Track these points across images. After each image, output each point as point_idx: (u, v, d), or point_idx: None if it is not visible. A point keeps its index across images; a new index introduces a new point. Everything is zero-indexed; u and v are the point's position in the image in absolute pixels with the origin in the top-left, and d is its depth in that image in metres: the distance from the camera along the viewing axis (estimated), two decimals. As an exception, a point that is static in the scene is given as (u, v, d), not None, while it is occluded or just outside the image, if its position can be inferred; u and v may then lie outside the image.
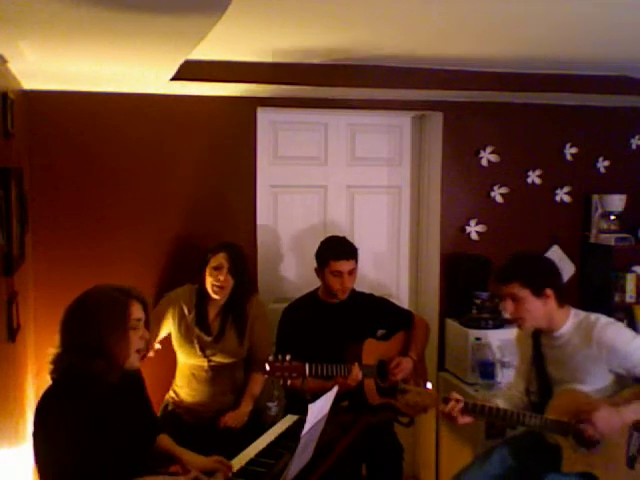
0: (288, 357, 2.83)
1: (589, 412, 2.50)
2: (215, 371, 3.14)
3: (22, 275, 2.88)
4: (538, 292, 2.63)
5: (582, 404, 2.57)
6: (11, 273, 2.51)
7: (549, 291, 2.64)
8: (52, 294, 3.25)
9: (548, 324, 2.70)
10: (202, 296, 3.16)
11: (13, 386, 2.64)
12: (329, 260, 3.19)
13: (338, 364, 3.00)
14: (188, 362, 3.17)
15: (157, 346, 3.18)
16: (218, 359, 3.13)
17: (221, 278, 3.07)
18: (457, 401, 2.62)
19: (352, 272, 3.21)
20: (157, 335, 3.16)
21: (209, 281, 3.11)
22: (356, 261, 3.24)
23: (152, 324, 3.14)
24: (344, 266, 3.17)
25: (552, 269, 2.76)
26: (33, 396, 3.12)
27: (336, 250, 3.22)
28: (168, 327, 3.18)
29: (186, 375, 3.19)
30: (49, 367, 2.11)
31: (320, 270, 3.24)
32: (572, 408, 2.58)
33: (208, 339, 3.13)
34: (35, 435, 2.04)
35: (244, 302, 3.19)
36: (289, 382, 2.87)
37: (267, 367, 2.83)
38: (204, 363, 3.13)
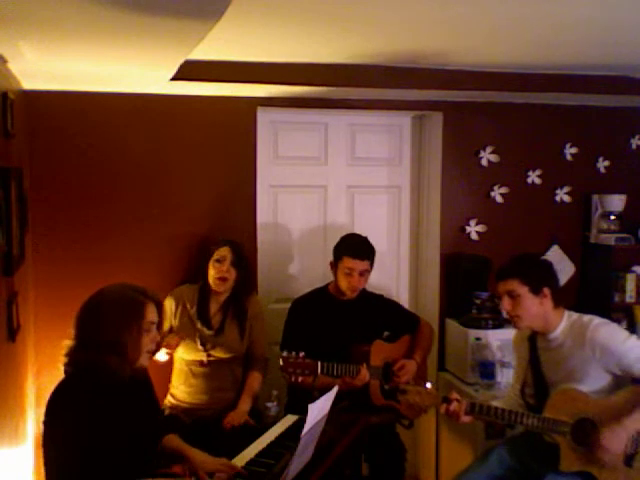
0: (302, 354, 2.84)
1: (598, 440, 2.51)
2: (213, 366, 3.16)
3: (22, 275, 2.88)
4: (536, 290, 2.67)
5: (582, 406, 2.58)
6: (11, 273, 2.52)
7: (547, 290, 2.69)
8: (52, 294, 3.25)
9: (543, 324, 2.73)
10: (204, 292, 3.22)
11: (13, 386, 2.64)
12: (343, 256, 3.19)
13: (348, 363, 3.01)
14: (186, 358, 3.19)
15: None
16: (217, 354, 3.15)
17: (224, 269, 3.14)
18: (458, 401, 2.63)
19: (364, 273, 3.20)
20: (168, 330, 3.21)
21: (212, 273, 3.17)
22: (371, 264, 3.23)
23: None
24: (357, 265, 3.17)
25: (550, 270, 2.81)
26: (33, 396, 3.13)
27: (353, 248, 3.21)
28: (170, 322, 3.22)
29: (183, 372, 3.20)
30: (63, 359, 2.12)
31: (334, 264, 3.25)
32: (570, 407, 2.59)
33: (209, 333, 3.17)
34: (47, 429, 2.05)
35: (244, 299, 3.24)
36: (300, 379, 2.87)
37: (280, 362, 2.84)
38: (203, 357, 3.15)
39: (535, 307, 2.68)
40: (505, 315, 3.61)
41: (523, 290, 2.67)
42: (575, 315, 2.73)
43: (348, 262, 3.17)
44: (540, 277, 2.72)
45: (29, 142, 3.26)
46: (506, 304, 2.72)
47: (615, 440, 2.51)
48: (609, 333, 2.64)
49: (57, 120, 3.32)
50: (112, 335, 2.08)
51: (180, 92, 3.34)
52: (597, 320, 2.68)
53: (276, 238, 3.87)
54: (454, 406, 2.63)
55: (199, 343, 3.15)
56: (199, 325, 3.18)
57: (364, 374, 2.99)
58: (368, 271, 3.23)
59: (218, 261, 3.16)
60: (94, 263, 3.38)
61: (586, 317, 2.70)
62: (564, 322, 2.72)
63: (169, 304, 3.23)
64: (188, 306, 3.22)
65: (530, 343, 2.81)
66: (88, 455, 1.98)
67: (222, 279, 3.15)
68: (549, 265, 2.85)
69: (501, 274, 2.76)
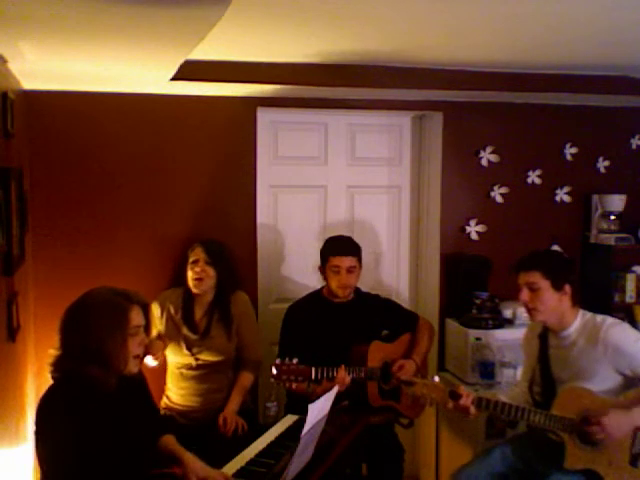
0: (295, 360, 2.83)
1: (599, 416, 2.50)
2: (203, 369, 3.16)
3: (22, 275, 2.88)
4: (558, 286, 2.68)
5: (589, 404, 2.58)
6: (11, 273, 2.51)
7: (567, 288, 2.70)
8: (52, 294, 3.25)
9: (558, 321, 2.73)
10: (189, 295, 3.22)
11: (13, 386, 2.64)
12: (329, 255, 3.21)
13: (348, 366, 2.99)
14: (176, 361, 3.20)
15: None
16: (205, 357, 3.15)
17: (197, 270, 3.14)
18: (467, 395, 2.65)
19: (352, 270, 3.21)
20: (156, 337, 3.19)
21: (189, 276, 3.18)
22: (358, 259, 3.24)
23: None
24: (343, 262, 3.18)
25: (573, 268, 2.87)
26: (33, 396, 3.12)
27: (336, 246, 3.25)
28: (157, 328, 3.21)
29: (175, 374, 3.21)
30: (49, 368, 2.11)
31: (322, 267, 3.27)
32: (577, 405, 2.59)
33: (194, 337, 3.17)
34: (36, 434, 2.04)
35: (229, 298, 3.23)
36: (294, 386, 2.86)
37: (274, 370, 2.83)
38: (191, 361, 3.16)
39: (554, 302, 2.68)
40: (507, 314, 3.68)
41: (545, 284, 2.67)
42: (588, 314, 2.74)
43: (334, 260, 3.19)
44: (563, 273, 2.72)
45: (29, 142, 3.26)
46: (524, 296, 2.71)
47: (617, 425, 2.49)
48: (622, 334, 2.65)
49: (57, 120, 3.32)
50: (95, 343, 2.04)
51: (180, 92, 3.34)
52: (610, 320, 2.69)
53: (276, 238, 3.87)
54: (464, 401, 2.63)
55: (185, 348, 3.16)
56: (185, 330, 3.17)
57: (342, 376, 2.94)
58: (356, 267, 3.23)
59: (194, 262, 3.18)
60: (94, 263, 3.38)
61: (599, 317, 2.71)
62: (578, 321, 2.72)
63: (155, 310, 3.21)
64: (172, 311, 3.22)
65: (541, 340, 2.82)
66: (83, 461, 1.96)
67: (198, 279, 3.15)
68: (572, 263, 2.90)
69: (523, 265, 2.74)
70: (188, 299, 3.22)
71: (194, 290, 3.18)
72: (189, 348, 3.16)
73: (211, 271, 3.16)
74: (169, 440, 2.33)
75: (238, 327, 3.22)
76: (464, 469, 2.86)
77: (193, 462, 2.22)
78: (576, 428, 2.57)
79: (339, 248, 3.22)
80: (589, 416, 2.54)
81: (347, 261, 3.19)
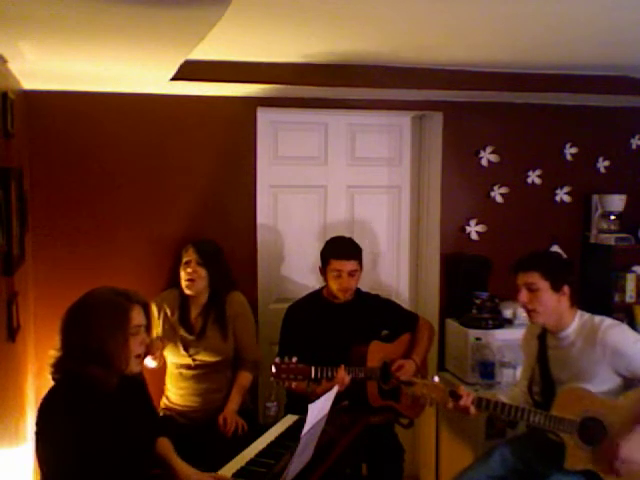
0: (294, 359, 2.83)
1: (615, 451, 2.50)
2: (201, 370, 3.16)
3: (22, 275, 2.88)
4: (556, 287, 2.68)
5: (589, 405, 2.58)
6: (11, 273, 2.51)
7: (566, 288, 2.69)
8: (52, 294, 3.25)
9: (557, 322, 2.73)
10: (184, 296, 3.22)
11: (13, 386, 2.64)
12: (330, 259, 3.19)
13: (348, 365, 2.99)
14: (174, 361, 3.20)
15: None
16: (202, 357, 3.15)
17: (189, 270, 3.14)
18: (467, 395, 2.65)
19: (353, 273, 3.19)
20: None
21: (182, 277, 3.19)
22: (359, 262, 3.23)
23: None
24: (344, 266, 3.17)
25: (572, 269, 2.87)
26: (33, 396, 3.13)
27: (338, 249, 3.22)
28: (155, 329, 3.20)
29: (174, 375, 3.21)
30: (50, 369, 2.11)
31: (323, 269, 3.25)
32: (577, 406, 2.60)
33: (191, 338, 3.17)
34: (37, 435, 2.04)
35: (225, 299, 3.22)
36: (294, 385, 2.86)
37: (273, 369, 2.83)
38: (189, 361, 3.16)
39: (552, 303, 2.68)
40: (507, 314, 3.68)
41: (543, 285, 2.67)
42: (586, 315, 2.74)
43: (335, 264, 3.17)
44: (562, 275, 2.72)
45: (29, 142, 3.26)
46: (523, 296, 2.71)
47: (636, 451, 2.49)
48: (620, 335, 2.64)
49: (57, 120, 3.32)
50: (96, 343, 2.05)
51: (180, 92, 3.34)
52: (608, 321, 2.69)
53: (276, 238, 3.87)
54: (464, 401, 2.64)
55: (182, 349, 3.16)
56: (181, 331, 3.18)
57: (341, 375, 2.94)
58: (357, 271, 3.21)
59: (186, 263, 3.18)
60: (94, 263, 3.38)
61: (597, 318, 2.71)
62: (576, 322, 2.72)
63: (153, 311, 3.20)
64: (168, 312, 3.22)
65: (539, 341, 2.82)
66: (83, 461, 1.97)
67: (190, 280, 3.15)
68: (571, 264, 2.92)
69: (522, 265, 2.74)
70: (184, 300, 3.22)
71: (186, 291, 3.18)
72: (186, 349, 3.16)
73: (203, 272, 3.15)
74: (164, 444, 2.33)
75: (234, 328, 3.22)
76: (465, 473, 2.85)
77: (185, 469, 2.22)
78: (580, 437, 2.57)
79: (341, 252, 3.20)
80: (597, 440, 2.54)
81: (349, 265, 3.17)
